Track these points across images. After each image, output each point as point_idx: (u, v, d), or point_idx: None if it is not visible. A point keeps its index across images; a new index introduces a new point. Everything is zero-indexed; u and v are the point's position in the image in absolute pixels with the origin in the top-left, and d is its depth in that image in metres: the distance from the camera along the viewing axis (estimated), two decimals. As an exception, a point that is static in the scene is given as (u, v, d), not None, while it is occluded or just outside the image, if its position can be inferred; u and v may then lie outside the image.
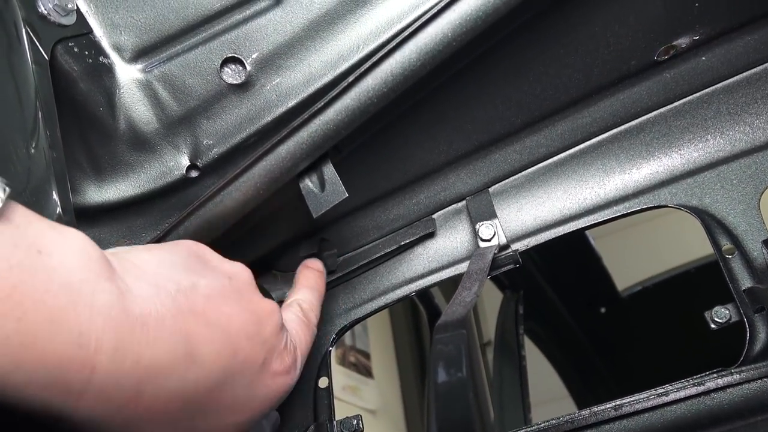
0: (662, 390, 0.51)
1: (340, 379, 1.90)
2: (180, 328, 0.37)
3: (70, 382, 0.31)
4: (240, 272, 0.46)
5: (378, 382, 2.08)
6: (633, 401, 0.51)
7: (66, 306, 0.31)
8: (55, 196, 0.43)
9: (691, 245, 1.40)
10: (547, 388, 1.62)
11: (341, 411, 0.59)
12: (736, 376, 0.49)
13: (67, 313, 0.31)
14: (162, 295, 0.37)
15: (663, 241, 2.06)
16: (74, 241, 0.34)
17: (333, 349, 0.66)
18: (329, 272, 0.67)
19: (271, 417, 0.53)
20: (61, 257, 0.32)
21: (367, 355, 2.10)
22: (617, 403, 0.51)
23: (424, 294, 1.33)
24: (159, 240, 0.54)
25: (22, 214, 0.32)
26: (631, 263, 1.78)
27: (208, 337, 0.39)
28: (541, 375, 1.54)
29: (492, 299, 1.59)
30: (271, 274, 0.67)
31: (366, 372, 2.06)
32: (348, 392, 1.92)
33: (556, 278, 1.44)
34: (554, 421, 0.53)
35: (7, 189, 0.30)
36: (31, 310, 0.29)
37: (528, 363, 1.30)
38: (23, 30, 0.44)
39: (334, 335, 0.66)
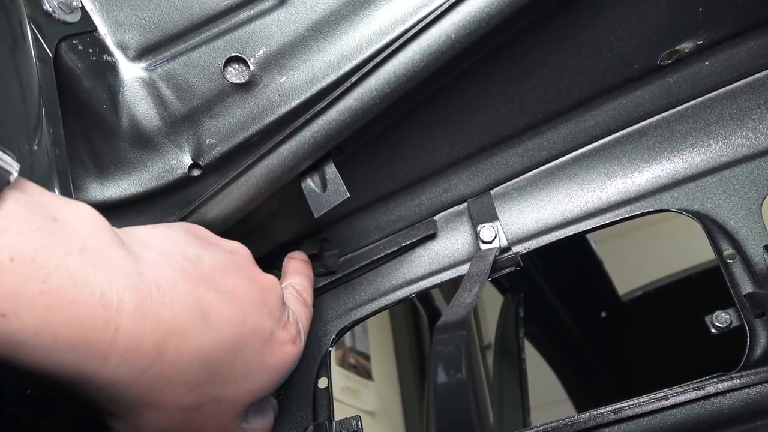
0: (662, 394, 0.50)
1: (340, 380, 1.90)
2: (192, 292, 0.38)
3: (94, 342, 0.32)
4: (239, 248, 0.48)
5: (377, 384, 2.07)
6: (633, 405, 0.51)
7: (86, 268, 0.32)
8: (57, 192, 0.43)
9: (692, 250, 1.40)
10: (546, 392, 1.61)
11: (340, 412, 0.59)
12: (737, 381, 0.49)
13: (87, 274, 0.32)
14: (171, 262, 0.39)
15: (664, 245, 2.06)
16: (84, 211, 0.35)
17: (333, 350, 0.66)
18: (330, 273, 0.67)
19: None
20: (74, 224, 0.33)
21: (366, 357, 2.10)
22: (617, 406, 0.51)
23: (424, 296, 1.33)
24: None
25: (33, 186, 0.33)
26: (633, 268, 1.77)
27: (219, 303, 0.40)
28: (541, 378, 1.54)
29: (492, 302, 1.58)
30: (272, 273, 0.67)
31: (365, 374, 2.06)
32: (347, 394, 1.92)
33: (557, 282, 1.43)
34: (553, 424, 0.53)
35: (18, 165, 0.31)
36: (53, 272, 0.30)
37: (528, 366, 1.30)
38: (28, 27, 0.45)
39: (334, 335, 0.66)
